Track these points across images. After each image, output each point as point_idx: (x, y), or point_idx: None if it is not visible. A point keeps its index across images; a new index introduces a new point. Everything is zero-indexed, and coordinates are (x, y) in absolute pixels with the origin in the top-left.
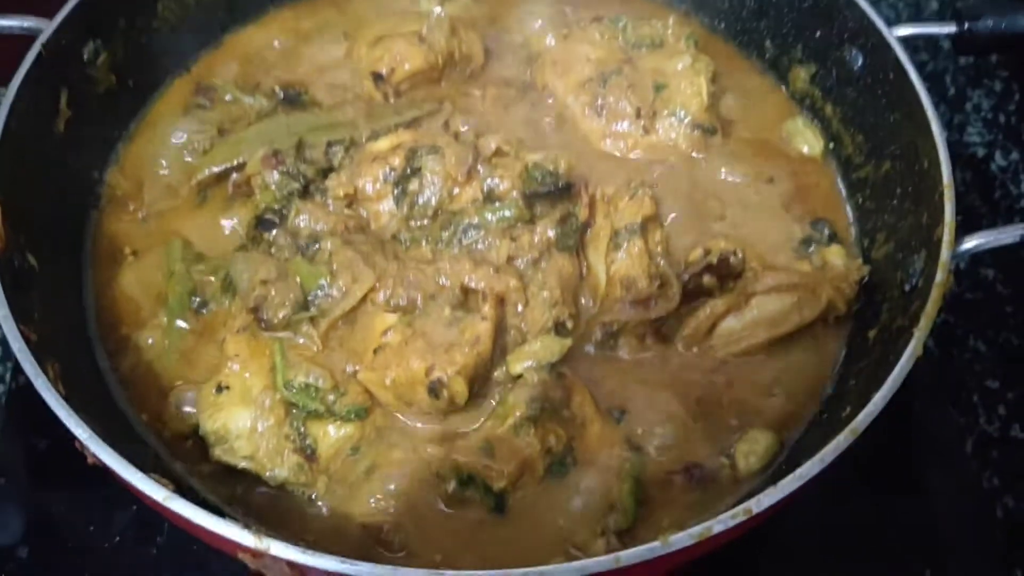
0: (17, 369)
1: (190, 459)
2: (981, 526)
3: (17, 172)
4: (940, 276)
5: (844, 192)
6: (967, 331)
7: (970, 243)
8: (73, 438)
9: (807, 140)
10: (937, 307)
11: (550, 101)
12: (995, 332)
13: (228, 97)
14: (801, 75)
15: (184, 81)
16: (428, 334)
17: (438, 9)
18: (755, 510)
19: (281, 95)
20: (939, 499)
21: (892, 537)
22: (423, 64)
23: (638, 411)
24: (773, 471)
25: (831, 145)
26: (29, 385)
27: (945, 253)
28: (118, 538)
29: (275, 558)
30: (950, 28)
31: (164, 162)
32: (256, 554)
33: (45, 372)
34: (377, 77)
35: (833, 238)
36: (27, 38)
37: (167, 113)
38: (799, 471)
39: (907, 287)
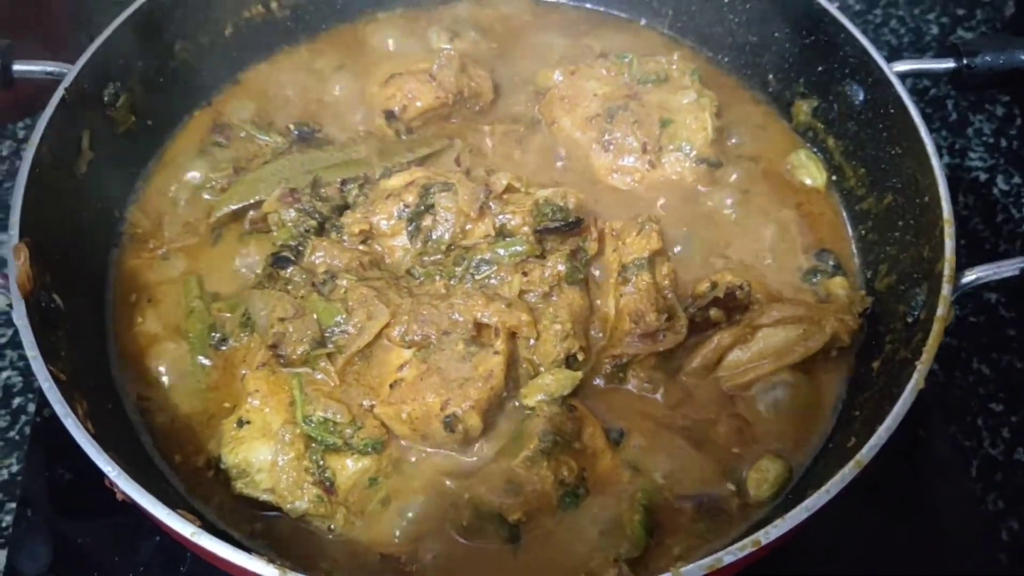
0: (42, 403)
1: (212, 492)
2: (985, 549)
3: (43, 214)
4: (941, 310)
5: (848, 223)
6: (971, 354)
7: (971, 276)
8: (102, 475)
9: (810, 172)
10: (939, 341)
11: (558, 136)
12: (999, 355)
13: (243, 135)
14: (803, 108)
15: (204, 115)
16: (442, 369)
17: (447, 46)
18: (763, 541)
19: (296, 133)
20: (943, 521)
21: (896, 559)
22: (434, 102)
23: (647, 442)
24: (782, 500)
25: (833, 177)
26: (53, 418)
27: (946, 288)
28: (143, 568)
29: None
30: (948, 64)
31: (182, 200)
32: None
33: (74, 411)
34: (389, 115)
35: (838, 268)
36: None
37: (185, 151)
38: (806, 503)
39: (909, 319)
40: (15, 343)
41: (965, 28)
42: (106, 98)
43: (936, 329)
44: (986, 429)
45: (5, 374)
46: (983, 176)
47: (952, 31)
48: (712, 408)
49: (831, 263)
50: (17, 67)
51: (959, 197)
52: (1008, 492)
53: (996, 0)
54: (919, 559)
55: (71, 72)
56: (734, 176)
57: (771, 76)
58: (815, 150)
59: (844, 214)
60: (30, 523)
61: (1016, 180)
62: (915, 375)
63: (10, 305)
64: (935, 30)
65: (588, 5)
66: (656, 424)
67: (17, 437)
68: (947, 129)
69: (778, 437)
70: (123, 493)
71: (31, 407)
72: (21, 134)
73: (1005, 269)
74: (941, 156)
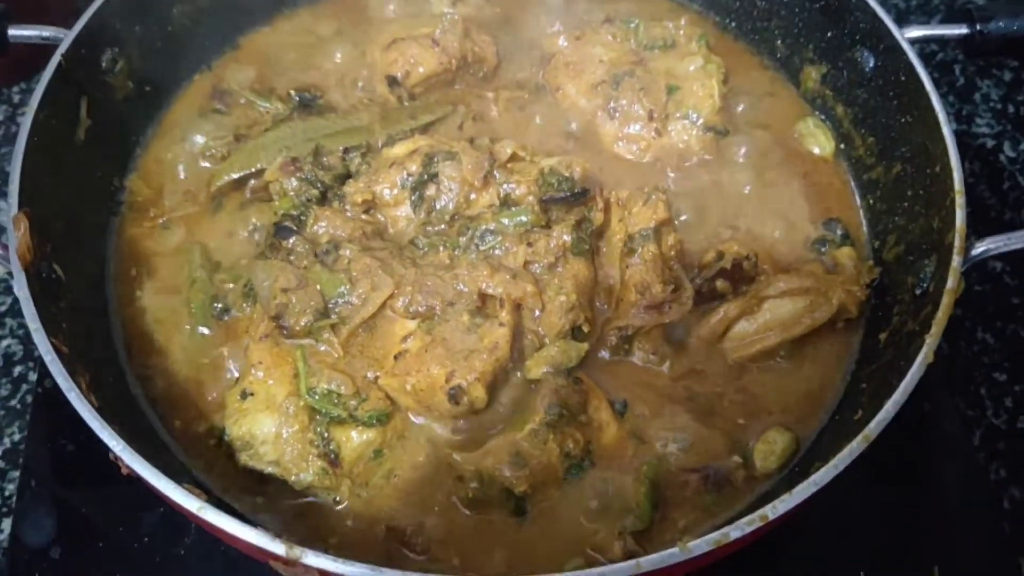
0: (43, 372)
1: (214, 463)
2: (988, 517)
3: (42, 183)
4: (951, 282)
5: (856, 192)
6: (975, 323)
7: (980, 248)
8: (106, 448)
9: (818, 141)
10: (949, 313)
11: (563, 103)
12: (1003, 324)
13: (243, 101)
14: (812, 75)
15: (203, 80)
16: (447, 340)
17: (450, 10)
18: (771, 516)
19: (296, 99)
20: (946, 490)
21: (900, 527)
22: (437, 67)
23: (652, 414)
24: (788, 472)
25: (842, 146)
26: (55, 388)
27: (956, 260)
28: (147, 538)
29: (307, 567)
30: (961, 30)
31: (182, 168)
32: (288, 562)
33: (77, 384)
34: (392, 81)
35: (846, 238)
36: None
37: (184, 118)
38: (814, 477)
39: (918, 291)
40: (15, 311)
41: None
42: (104, 64)
43: (946, 301)
44: (990, 399)
45: (5, 342)
46: (990, 143)
47: None
48: (718, 380)
49: (839, 232)
50: (13, 32)
51: (965, 164)
52: (1010, 461)
53: None
54: (921, 526)
55: (68, 37)
56: (741, 144)
57: (779, 41)
58: (823, 117)
59: (852, 183)
60: (34, 494)
61: (1023, 147)
62: (924, 348)
63: (10, 274)
64: None
65: None
66: (661, 396)
67: (18, 406)
68: (954, 95)
69: (784, 409)
70: (128, 467)
71: (32, 376)
72: (16, 98)
73: (1015, 241)
74: (948, 123)
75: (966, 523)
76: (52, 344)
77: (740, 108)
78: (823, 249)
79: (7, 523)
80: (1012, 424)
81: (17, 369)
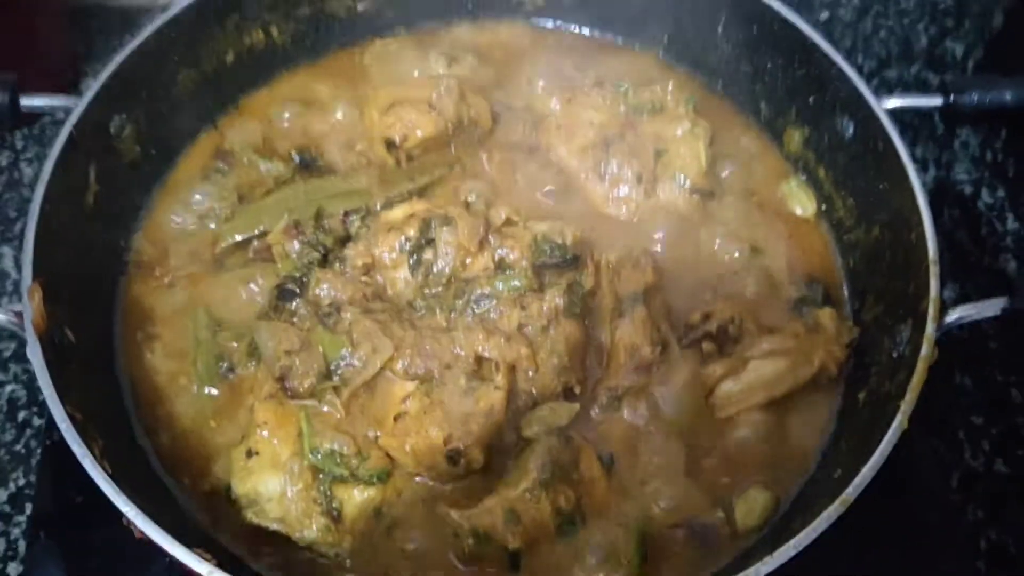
0: (51, 425)
1: (227, 520)
2: (965, 558)
3: (53, 250)
4: (925, 350)
5: (837, 253)
6: (953, 367)
7: (954, 315)
8: (119, 512)
9: (801, 201)
10: (923, 380)
11: (555, 164)
12: (980, 367)
13: (246, 161)
14: (795, 137)
15: (207, 140)
16: (445, 404)
17: (445, 71)
18: None
19: (297, 159)
20: (924, 531)
21: (877, 568)
22: (434, 131)
23: (640, 469)
24: (770, 528)
25: (823, 207)
26: (63, 441)
27: (930, 328)
28: None
29: None
30: (936, 101)
31: (187, 228)
32: None
33: (91, 451)
34: (390, 144)
35: (827, 299)
36: None
37: (188, 179)
38: (794, 541)
39: (894, 354)
40: (19, 356)
41: (953, 39)
42: (112, 130)
43: (920, 369)
44: (968, 442)
45: (9, 388)
46: (968, 189)
47: (940, 41)
48: (703, 437)
49: (820, 293)
50: (24, 102)
51: (944, 210)
52: (988, 503)
53: (985, 10)
54: (898, 567)
55: (78, 107)
56: (726, 206)
57: (763, 103)
58: (806, 178)
59: (833, 244)
60: (45, 547)
61: (1000, 193)
62: (899, 416)
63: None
64: (924, 41)
65: (585, 31)
66: (649, 452)
67: (23, 451)
68: (933, 141)
69: (765, 466)
70: (141, 532)
71: (36, 420)
72: (20, 144)
73: (987, 308)
74: (927, 168)
75: (943, 563)
76: (67, 412)
77: (726, 169)
78: (804, 310)
79: (13, 567)
80: (989, 466)
81: (22, 414)
